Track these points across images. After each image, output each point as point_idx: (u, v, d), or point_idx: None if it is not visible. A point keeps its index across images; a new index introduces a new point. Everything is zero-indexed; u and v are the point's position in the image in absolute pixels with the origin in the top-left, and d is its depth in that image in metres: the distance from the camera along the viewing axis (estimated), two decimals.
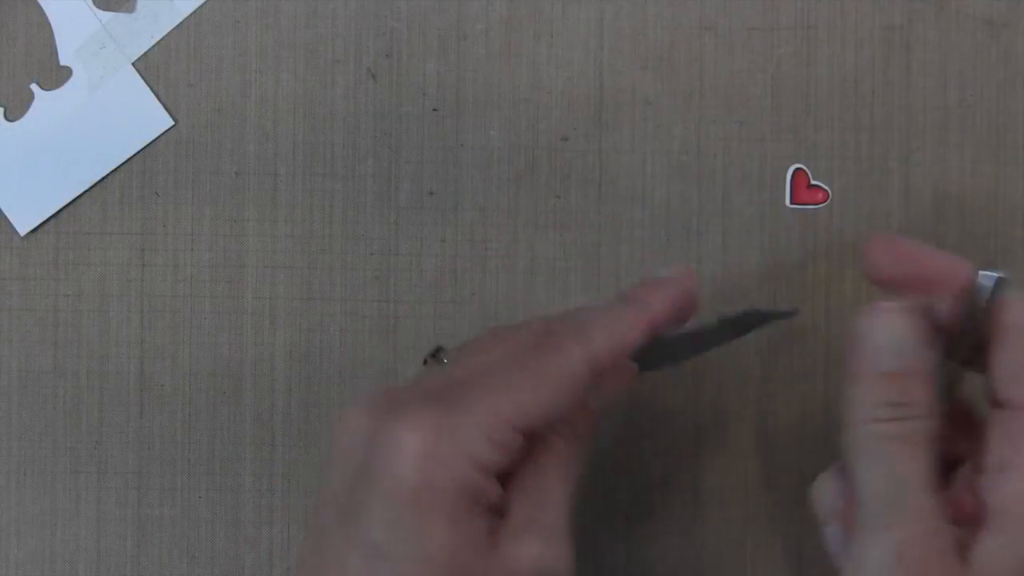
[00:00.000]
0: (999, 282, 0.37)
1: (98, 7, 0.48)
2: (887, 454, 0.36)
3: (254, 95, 0.48)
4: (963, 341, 0.38)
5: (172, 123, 0.48)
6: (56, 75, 0.48)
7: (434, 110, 0.48)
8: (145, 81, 0.48)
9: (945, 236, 0.48)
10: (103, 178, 0.48)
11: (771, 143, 0.48)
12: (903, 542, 0.35)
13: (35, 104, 0.48)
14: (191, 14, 0.48)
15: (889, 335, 0.37)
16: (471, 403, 0.35)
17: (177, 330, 0.48)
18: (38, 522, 0.48)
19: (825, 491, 0.40)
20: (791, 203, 0.48)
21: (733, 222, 0.48)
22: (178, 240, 0.48)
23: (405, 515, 0.34)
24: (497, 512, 0.36)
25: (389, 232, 0.48)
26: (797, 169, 0.48)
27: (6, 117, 0.48)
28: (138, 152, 0.48)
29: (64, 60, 0.48)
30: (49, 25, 0.48)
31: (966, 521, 0.36)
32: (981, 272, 0.38)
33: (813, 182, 0.48)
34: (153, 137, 0.48)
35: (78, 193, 0.48)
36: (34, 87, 0.48)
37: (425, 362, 0.40)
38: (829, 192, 0.48)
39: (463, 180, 0.48)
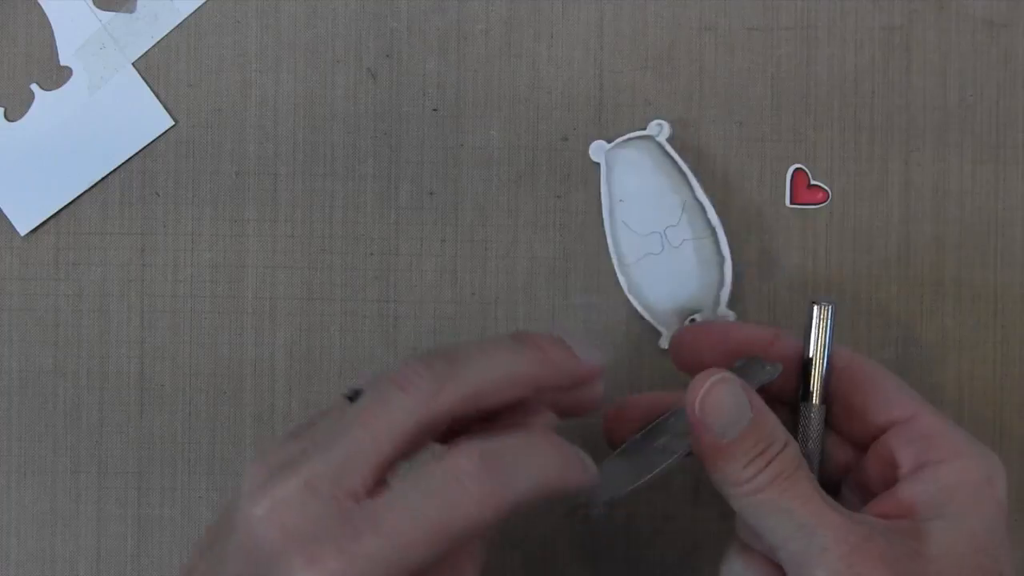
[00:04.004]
0: (832, 310, 0.41)
1: (98, 7, 0.48)
2: (777, 499, 0.37)
3: (254, 95, 0.48)
4: (812, 377, 0.41)
5: (172, 123, 0.48)
6: (56, 75, 0.48)
7: (434, 110, 0.48)
8: (145, 81, 0.48)
9: (945, 236, 0.48)
10: (103, 178, 0.48)
11: (771, 143, 0.48)
12: (845, 556, 0.36)
13: (35, 104, 0.48)
14: (191, 14, 0.48)
15: (720, 408, 0.37)
16: (370, 547, 0.33)
17: (177, 330, 0.48)
18: (38, 522, 0.48)
19: (737, 572, 0.40)
20: (791, 203, 0.48)
21: (733, 222, 0.48)
22: (178, 240, 0.48)
23: None
24: None
25: (389, 232, 0.48)
26: (797, 169, 0.48)
27: (6, 117, 0.48)
28: (138, 152, 0.48)
29: (64, 60, 0.48)
30: (49, 25, 0.48)
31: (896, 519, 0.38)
32: (813, 302, 0.41)
33: (813, 182, 0.48)
34: (153, 137, 0.48)
35: (78, 193, 0.48)
36: (34, 87, 0.48)
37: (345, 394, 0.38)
38: (829, 192, 0.48)
39: (463, 180, 0.48)
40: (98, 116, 0.48)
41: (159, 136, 0.48)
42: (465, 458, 0.34)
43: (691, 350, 0.42)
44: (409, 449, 0.35)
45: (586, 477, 0.37)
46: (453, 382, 0.35)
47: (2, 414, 0.48)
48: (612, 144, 0.47)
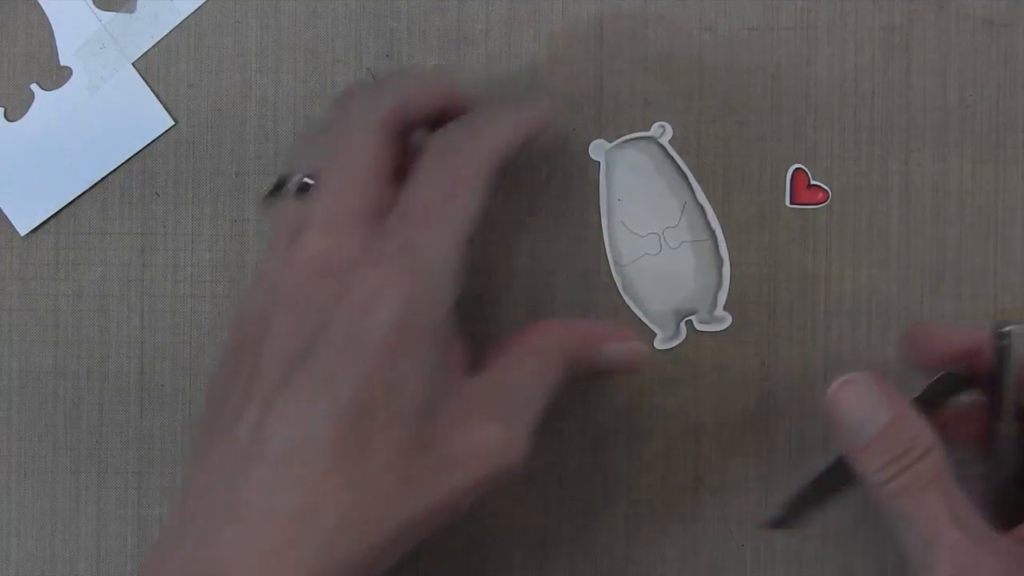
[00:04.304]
0: (1017, 334, 0.40)
1: (98, 7, 0.48)
2: (905, 507, 0.37)
3: (254, 95, 0.48)
4: (1005, 398, 0.40)
5: (172, 123, 0.48)
6: (56, 75, 0.48)
7: None
8: (145, 81, 0.48)
9: (945, 236, 0.48)
10: (103, 178, 0.48)
11: (771, 143, 0.48)
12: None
13: (35, 104, 0.48)
14: (191, 14, 0.48)
15: (854, 408, 0.38)
16: (428, 241, 0.37)
17: (177, 330, 0.48)
18: (38, 522, 0.48)
19: None
20: (791, 203, 0.48)
21: (733, 222, 0.48)
22: (178, 240, 0.48)
23: (383, 362, 0.35)
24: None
25: None
26: (797, 169, 0.48)
27: (6, 117, 0.48)
28: (138, 152, 0.48)
29: (64, 60, 0.48)
30: (49, 25, 0.48)
31: None
32: (997, 330, 0.40)
33: (813, 182, 0.48)
34: (153, 137, 0.48)
35: (78, 193, 0.48)
36: (34, 87, 0.48)
37: (273, 193, 0.40)
38: (829, 192, 0.48)
39: None
40: (98, 116, 0.48)
41: (159, 136, 0.48)
42: (441, 138, 0.39)
43: (925, 345, 0.42)
44: (395, 151, 0.38)
45: (538, 116, 0.42)
46: (405, 80, 0.40)
47: (2, 414, 0.48)
48: (613, 144, 0.47)
